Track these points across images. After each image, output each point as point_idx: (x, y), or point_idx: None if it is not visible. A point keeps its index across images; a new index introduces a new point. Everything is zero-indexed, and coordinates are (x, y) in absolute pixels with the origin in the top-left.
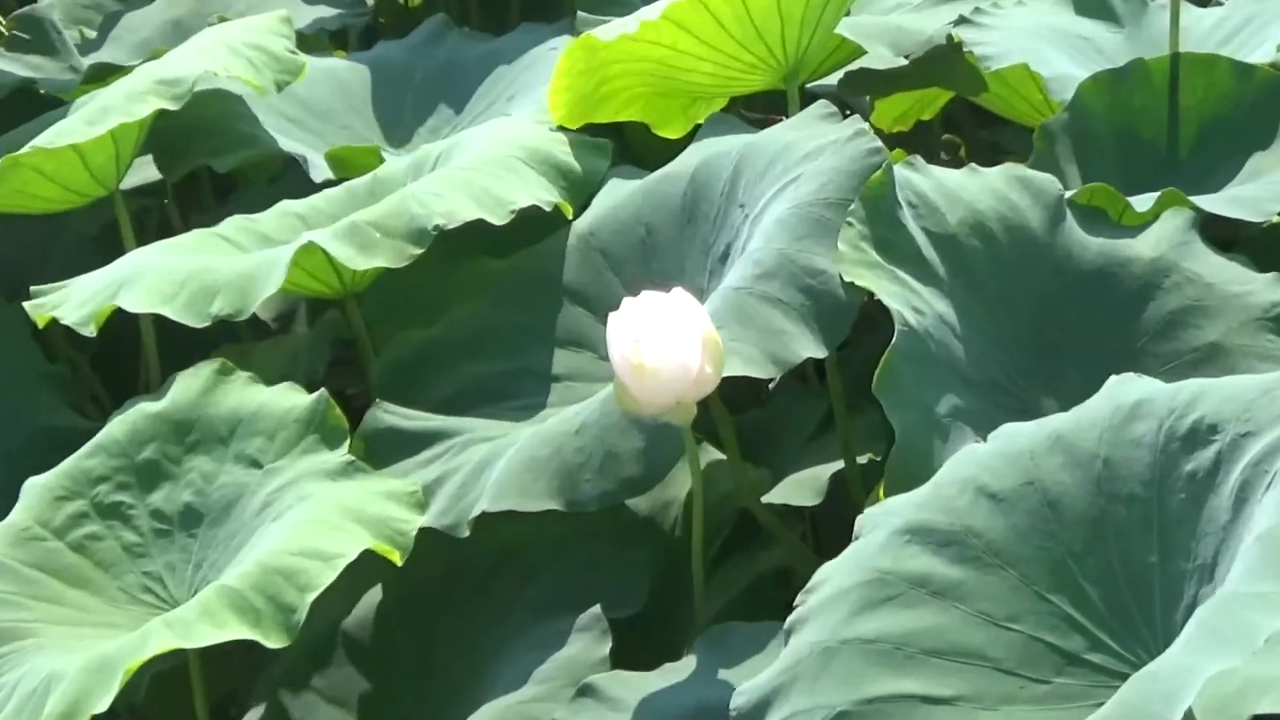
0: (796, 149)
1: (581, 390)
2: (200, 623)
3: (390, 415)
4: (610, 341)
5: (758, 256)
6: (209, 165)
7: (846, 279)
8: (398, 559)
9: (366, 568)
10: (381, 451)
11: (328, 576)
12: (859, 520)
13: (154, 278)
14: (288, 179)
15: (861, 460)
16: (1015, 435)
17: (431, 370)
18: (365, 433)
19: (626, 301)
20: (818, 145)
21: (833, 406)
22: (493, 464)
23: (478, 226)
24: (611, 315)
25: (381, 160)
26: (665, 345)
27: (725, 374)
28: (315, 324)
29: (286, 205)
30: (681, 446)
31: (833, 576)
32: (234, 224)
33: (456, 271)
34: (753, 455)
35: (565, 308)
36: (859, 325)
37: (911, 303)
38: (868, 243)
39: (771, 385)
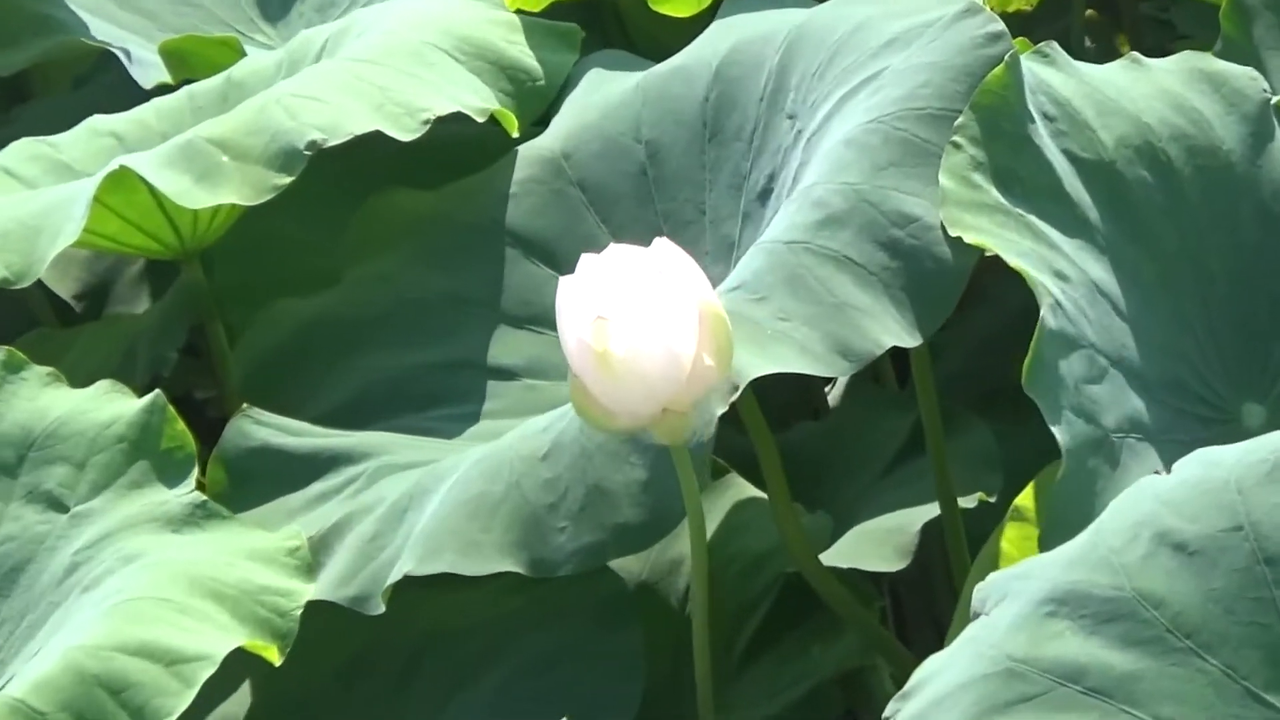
0: (875, 32)
1: (550, 393)
2: None
3: (261, 428)
4: (561, 320)
5: (819, 195)
6: None
7: (952, 229)
8: (275, 657)
9: (227, 657)
10: (249, 485)
11: (181, 697)
12: (978, 589)
13: None
14: (102, 82)
15: (967, 502)
16: (1213, 460)
17: (321, 362)
18: (225, 456)
19: (586, 260)
20: (907, 27)
21: (923, 422)
22: (420, 503)
23: (384, 149)
24: (561, 281)
25: (242, 55)
26: (643, 324)
27: (770, 370)
28: (162, 296)
29: (99, 121)
30: (704, 478)
31: (942, 671)
32: (21, 150)
33: (355, 214)
34: (806, 493)
35: (523, 268)
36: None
37: (1052, 263)
38: (984, 174)
39: (831, 390)
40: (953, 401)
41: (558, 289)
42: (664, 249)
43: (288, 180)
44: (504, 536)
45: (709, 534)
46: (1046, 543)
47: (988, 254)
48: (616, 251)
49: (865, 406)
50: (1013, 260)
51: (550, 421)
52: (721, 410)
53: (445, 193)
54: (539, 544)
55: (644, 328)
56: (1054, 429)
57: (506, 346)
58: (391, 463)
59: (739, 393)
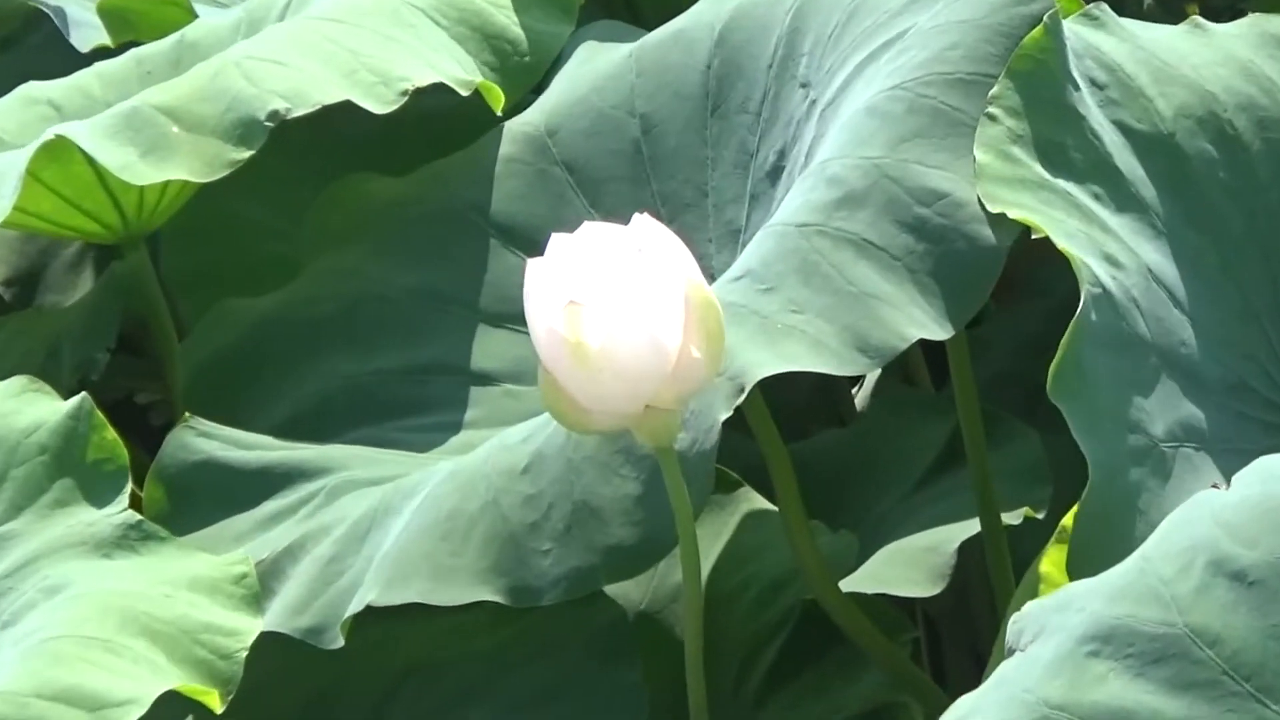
0: None
1: (532, 400)
2: None
3: (206, 441)
4: (529, 307)
5: (834, 171)
6: None
7: (991, 205)
8: (217, 704)
9: (166, 698)
10: (192, 505)
11: None
12: (1012, 621)
13: None
14: (30, 45)
15: (1011, 518)
16: (1276, 474)
17: (276, 365)
18: (164, 472)
19: (557, 240)
20: None
21: (960, 426)
22: (384, 524)
23: (352, 121)
24: (529, 264)
25: (192, 15)
26: (621, 310)
27: (780, 369)
28: (97, 283)
29: (34, 89)
30: (704, 492)
31: (972, 716)
32: None
33: (319, 198)
34: (827, 509)
35: (503, 259)
36: (999, 286)
37: (1102, 246)
38: (1023, 147)
39: (858, 390)
40: (996, 405)
41: (526, 273)
42: (644, 225)
43: (246, 155)
44: (480, 560)
45: (717, 554)
46: (1074, 571)
47: (1034, 237)
48: (591, 229)
49: (896, 411)
50: (1060, 241)
51: (531, 431)
52: (725, 415)
53: (416, 176)
54: (519, 569)
55: (623, 314)
56: (1079, 439)
57: (484, 348)
58: (353, 478)
59: (745, 395)
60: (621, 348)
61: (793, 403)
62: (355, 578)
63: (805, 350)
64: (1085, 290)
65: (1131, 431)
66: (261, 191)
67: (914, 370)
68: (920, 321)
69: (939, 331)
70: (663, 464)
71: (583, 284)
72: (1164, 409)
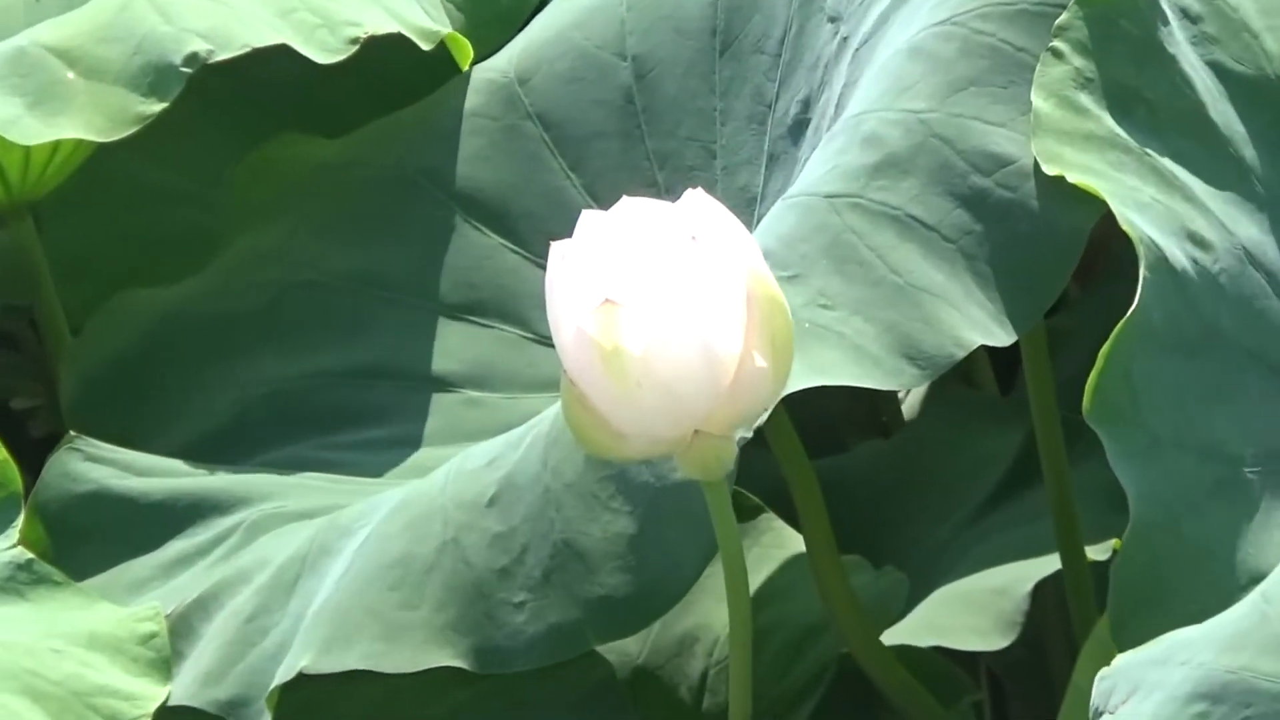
0: None
1: (499, 409)
2: None
3: (97, 466)
4: (552, 302)
5: (872, 127)
6: None
7: (1048, 166)
8: None
9: None
10: (79, 545)
11: None
12: (1100, 677)
13: None
14: None
15: (1098, 552)
16: None
17: (184, 370)
18: (44, 505)
19: (588, 217)
20: None
21: (1035, 437)
22: (318, 569)
23: (284, 69)
24: (554, 247)
25: None
26: (669, 309)
27: (810, 383)
28: None
29: None
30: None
31: None
32: None
33: (241, 162)
34: (867, 540)
35: (462, 237)
36: (1083, 262)
37: (1183, 221)
38: (1092, 93)
39: (905, 397)
40: (1079, 411)
41: (549, 259)
42: (698, 202)
43: (157, 108)
44: (437, 615)
45: None
46: (1119, 638)
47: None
48: (629, 207)
49: (953, 419)
50: (1126, 216)
51: (500, 451)
52: (747, 435)
53: (359, 136)
54: (486, 626)
55: (670, 315)
56: (1118, 470)
57: (440, 346)
58: (278, 511)
59: (768, 413)
60: (668, 356)
61: (825, 407)
62: (283, 638)
63: (841, 358)
64: (1143, 279)
65: (1202, 456)
66: (173, 154)
67: (975, 368)
68: (980, 322)
69: (1001, 336)
70: (711, 504)
71: (621, 276)
72: (1252, 424)
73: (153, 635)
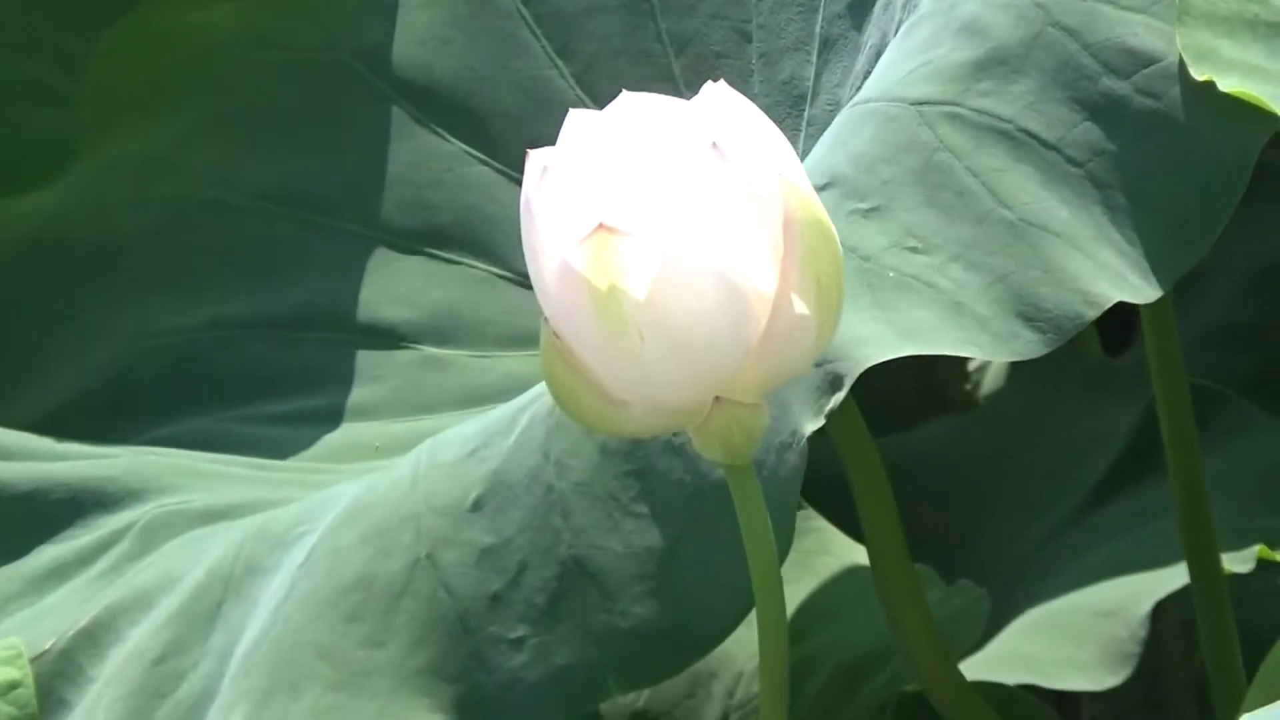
0: None
1: (470, 370)
2: None
3: None
4: (530, 228)
5: (971, 11)
6: None
7: (1195, 68)
8: None
9: None
10: None
11: None
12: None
13: None
14: None
15: (1238, 562)
16: None
17: (47, 314)
18: None
19: (578, 117)
20: None
21: (1159, 416)
22: (246, 591)
23: None
24: (533, 156)
25: None
26: (681, 237)
27: (901, 352)
28: None
29: None
30: (786, 540)
31: None
32: None
33: (110, 35)
34: (939, 546)
35: (414, 140)
36: None
37: None
38: None
39: (980, 368)
40: (1211, 378)
41: (527, 167)
42: (720, 98)
43: None
44: (410, 657)
45: None
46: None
47: None
48: (631, 104)
49: (1047, 388)
50: None
51: (484, 437)
52: (814, 425)
53: (269, 1)
54: (475, 670)
55: (684, 245)
56: None
57: (385, 287)
58: (182, 507)
59: (845, 392)
60: (680, 300)
61: (885, 378)
62: (205, 685)
63: (937, 319)
64: None
65: None
66: (24, 30)
67: (1084, 339)
68: (1116, 272)
69: (1146, 291)
70: (735, 492)
71: (620, 195)
72: None
73: (13, 686)
